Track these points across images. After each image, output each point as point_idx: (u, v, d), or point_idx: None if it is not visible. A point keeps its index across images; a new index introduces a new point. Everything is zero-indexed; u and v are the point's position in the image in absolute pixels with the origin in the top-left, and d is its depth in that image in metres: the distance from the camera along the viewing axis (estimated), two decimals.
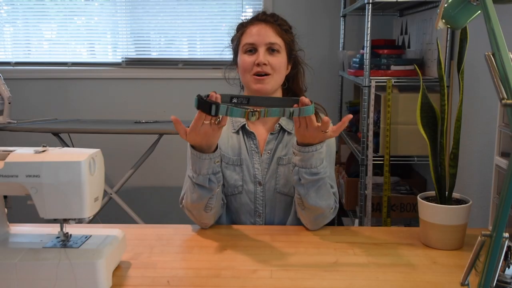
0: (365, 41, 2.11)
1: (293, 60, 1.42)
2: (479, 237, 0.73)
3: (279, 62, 1.34)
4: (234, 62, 1.44)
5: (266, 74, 1.33)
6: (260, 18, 1.37)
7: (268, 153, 1.38)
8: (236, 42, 1.40)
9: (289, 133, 1.39)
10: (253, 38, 1.34)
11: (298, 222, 1.40)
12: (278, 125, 1.39)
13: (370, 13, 2.09)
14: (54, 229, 1.06)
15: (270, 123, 1.41)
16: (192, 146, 1.21)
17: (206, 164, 1.21)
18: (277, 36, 1.35)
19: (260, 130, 1.41)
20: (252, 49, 1.35)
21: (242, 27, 1.39)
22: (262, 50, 1.33)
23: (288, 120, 1.41)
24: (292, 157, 1.26)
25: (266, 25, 1.35)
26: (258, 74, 1.33)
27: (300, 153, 1.21)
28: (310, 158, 1.21)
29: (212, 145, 1.20)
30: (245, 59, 1.35)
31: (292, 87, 1.44)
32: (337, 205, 1.34)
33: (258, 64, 1.32)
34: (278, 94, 1.40)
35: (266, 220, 1.40)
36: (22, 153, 0.99)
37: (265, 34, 1.34)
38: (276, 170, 1.38)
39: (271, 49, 1.34)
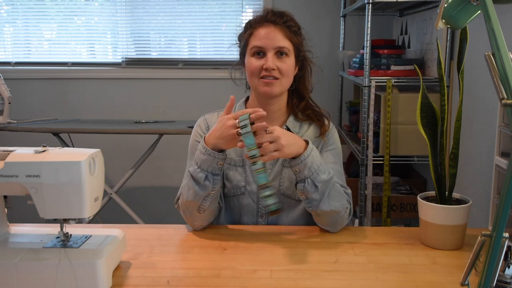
0: (365, 41, 2.11)
1: (301, 61, 1.39)
2: (479, 237, 0.72)
3: (288, 66, 1.32)
4: (241, 62, 1.41)
5: (274, 78, 1.31)
6: (269, 18, 1.33)
7: None
8: (244, 42, 1.37)
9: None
10: (262, 41, 1.31)
11: (301, 223, 1.40)
12: (285, 127, 1.38)
13: (370, 13, 2.09)
14: (54, 229, 1.06)
15: (275, 123, 1.39)
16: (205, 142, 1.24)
17: (209, 161, 1.22)
18: (286, 40, 1.31)
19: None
20: (260, 52, 1.32)
21: (250, 27, 1.36)
22: (270, 55, 1.30)
23: (295, 121, 1.40)
24: (293, 181, 1.28)
25: (275, 27, 1.31)
26: (264, 77, 1.32)
27: (298, 165, 1.22)
28: (305, 165, 1.21)
29: (226, 148, 1.23)
30: (253, 62, 1.32)
31: (298, 88, 1.42)
32: (351, 205, 1.35)
33: (266, 69, 1.30)
34: (284, 96, 1.39)
35: (268, 221, 1.40)
36: (22, 153, 0.99)
37: (274, 38, 1.30)
38: (281, 172, 1.37)
39: (280, 53, 1.31)
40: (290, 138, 1.21)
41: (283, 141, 1.17)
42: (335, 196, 1.27)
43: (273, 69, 1.30)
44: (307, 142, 1.24)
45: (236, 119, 1.18)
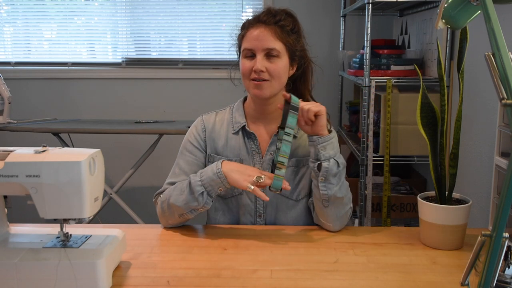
0: (365, 41, 2.11)
1: (299, 60, 1.37)
2: (479, 237, 0.72)
3: (278, 68, 1.31)
4: (238, 63, 1.41)
5: (264, 80, 1.31)
6: (261, 19, 1.32)
7: (271, 154, 1.38)
8: (238, 44, 1.38)
9: (294, 136, 1.38)
10: (252, 43, 1.30)
11: (300, 224, 1.40)
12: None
13: (370, 13, 2.09)
14: (54, 229, 1.06)
15: (273, 124, 1.39)
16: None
17: (214, 181, 1.25)
18: (277, 40, 1.30)
19: (262, 131, 1.40)
20: (251, 54, 1.32)
21: (244, 28, 1.36)
22: (260, 57, 1.30)
23: None
24: (312, 160, 1.29)
25: (265, 28, 1.30)
26: (255, 79, 1.31)
27: (325, 142, 1.27)
28: (332, 144, 1.28)
29: (234, 183, 1.26)
30: (244, 64, 1.33)
31: (298, 87, 1.41)
32: (351, 204, 1.36)
33: (255, 71, 1.30)
34: (280, 96, 1.39)
35: (266, 221, 1.40)
36: (22, 153, 0.99)
37: (264, 39, 1.29)
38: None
39: (270, 54, 1.30)
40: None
41: (323, 119, 1.27)
42: (346, 186, 1.32)
43: (262, 71, 1.30)
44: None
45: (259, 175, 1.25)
